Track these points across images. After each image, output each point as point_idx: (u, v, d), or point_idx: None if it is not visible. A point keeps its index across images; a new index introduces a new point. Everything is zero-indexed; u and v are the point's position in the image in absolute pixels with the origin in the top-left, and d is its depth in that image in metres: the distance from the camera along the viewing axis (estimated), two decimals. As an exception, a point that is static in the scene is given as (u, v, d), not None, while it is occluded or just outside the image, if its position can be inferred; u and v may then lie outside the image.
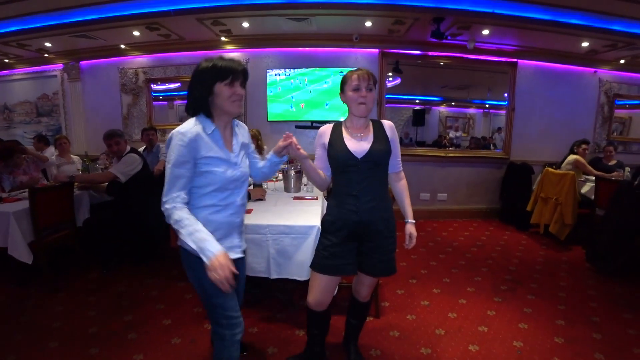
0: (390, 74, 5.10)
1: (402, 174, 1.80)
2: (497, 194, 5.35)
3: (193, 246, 1.27)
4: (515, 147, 5.27)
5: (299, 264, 2.08)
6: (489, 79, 5.59)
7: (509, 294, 2.90)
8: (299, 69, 4.93)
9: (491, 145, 5.77)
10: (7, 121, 6.04)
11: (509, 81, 5.17)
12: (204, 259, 1.24)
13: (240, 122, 1.63)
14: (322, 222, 1.75)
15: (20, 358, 2.03)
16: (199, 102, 1.38)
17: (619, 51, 4.69)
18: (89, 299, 2.73)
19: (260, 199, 2.69)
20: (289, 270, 2.12)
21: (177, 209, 1.31)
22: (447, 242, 4.22)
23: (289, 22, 4.22)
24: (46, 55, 5.33)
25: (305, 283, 2.44)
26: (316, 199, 2.78)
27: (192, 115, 1.41)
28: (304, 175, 3.18)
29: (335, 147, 1.64)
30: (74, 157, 4.44)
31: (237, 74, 1.35)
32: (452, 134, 6.11)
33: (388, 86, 5.18)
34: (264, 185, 3.03)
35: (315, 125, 4.90)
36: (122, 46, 5.05)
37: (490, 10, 3.79)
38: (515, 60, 5.06)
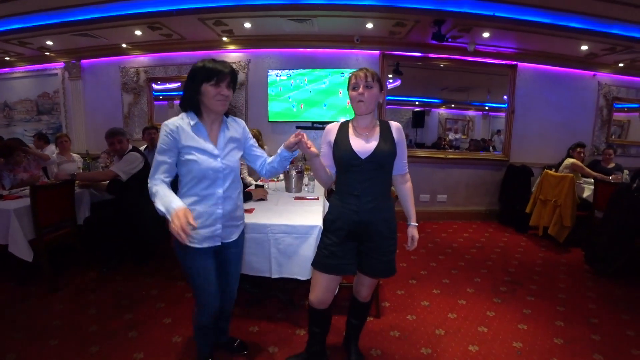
0: (390, 75, 5.12)
1: (408, 176, 1.81)
2: (496, 196, 5.37)
3: (162, 209, 1.38)
4: (514, 149, 5.29)
5: (300, 263, 2.09)
6: (488, 81, 5.62)
7: (509, 295, 2.91)
8: (300, 70, 4.96)
9: (490, 147, 5.80)
10: (7, 119, 6.04)
11: (508, 84, 5.19)
12: (168, 215, 1.35)
13: (237, 119, 1.71)
14: (324, 221, 1.77)
15: (20, 356, 2.03)
16: (189, 100, 1.54)
17: (618, 54, 4.72)
18: (89, 297, 2.73)
19: (262, 198, 2.70)
20: (290, 269, 2.12)
21: (156, 185, 1.48)
22: (446, 243, 4.23)
23: (291, 23, 4.24)
24: (47, 53, 5.33)
25: (306, 283, 2.45)
26: (317, 199, 2.79)
27: (184, 111, 1.59)
28: (305, 175, 3.19)
29: (340, 146, 1.65)
30: (74, 155, 4.44)
31: (222, 75, 1.48)
32: (451, 135, 6.14)
33: (388, 88, 5.21)
34: (265, 186, 3.04)
35: (315, 125, 4.91)
36: (124, 45, 5.06)
37: (491, 13, 3.81)
38: (515, 62, 5.09)
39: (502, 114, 5.54)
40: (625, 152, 5.58)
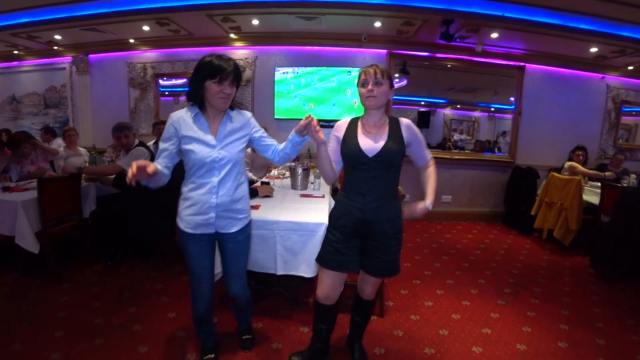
0: (397, 75, 5.10)
1: (431, 162, 1.77)
2: (501, 198, 5.34)
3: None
4: (520, 151, 5.26)
5: (305, 260, 2.09)
6: (495, 82, 5.58)
7: (513, 297, 2.90)
8: (307, 68, 4.96)
9: (495, 148, 5.77)
10: (15, 112, 6.08)
11: (516, 85, 5.16)
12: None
13: (243, 111, 1.73)
14: (329, 217, 1.77)
15: (25, 346, 2.05)
16: (193, 94, 1.60)
17: (628, 57, 4.68)
18: (94, 290, 2.75)
19: (268, 195, 2.70)
20: (295, 266, 2.12)
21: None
22: (450, 244, 4.22)
23: (299, 20, 4.24)
24: (55, 47, 5.36)
25: (310, 280, 2.47)
26: (323, 196, 2.79)
27: (189, 103, 1.65)
28: (311, 173, 3.19)
29: (348, 143, 1.65)
30: (81, 149, 4.47)
31: (226, 73, 1.52)
32: (456, 136, 6.11)
33: (394, 87, 5.19)
34: (271, 183, 3.04)
35: (322, 124, 4.90)
36: (131, 40, 5.07)
37: (500, 14, 3.79)
38: (523, 64, 5.06)
39: (508, 116, 5.51)
40: (633, 156, 5.53)
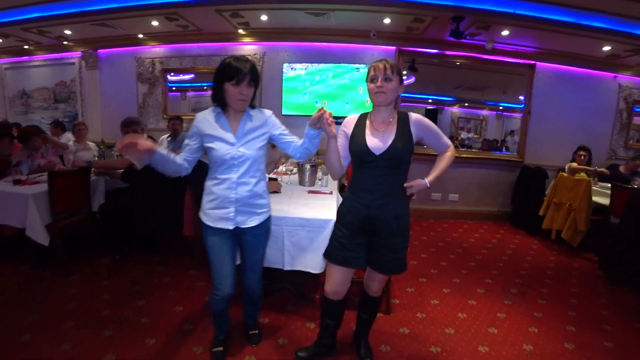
0: (405, 72, 5.06)
1: (449, 148, 1.73)
2: (509, 197, 5.30)
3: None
4: (529, 151, 5.21)
5: (313, 257, 2.10)
6: (504, 80, 5.52)
7: (519, 297, 2.88)
8: (321, 64, 4.96)
9: (503, 147, 5.71)
10: (25, 106, 6.16)
11: (526, 83, 5.10)
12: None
13: (264, 110, 1.79)
14: (337, 212, 1.77)
15: (36, 336, 2.08)
16: (215, 95, 1.69)
17: (642, 56, 4.60)
18: (102, 283, 2.78)
19: (276, 191, 2.70)
20: (303, 262, 2.13)
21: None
22: (457, 243, 4.20)
23: (308, 16, 4.21)
24: (65, 42, 5.40)
25: (316, 277, 2.47)
26: (331, 193, 2.79)
27: (214, 104, 1.74)
28: (318, 169, 3.19)
29: (356, 140, 1.64)
30: (90, 143, 4.51)
31: (242, 75, 1.58)
32: (463, 135, 6.06)
33: (404, 83, 5.16)
34: (279, 179, 3.05)
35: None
36: (140, 36, 5.09)
37: (512, 11, 3.73)
38: (534, 62, 4.99)
39: (517, 115, 5.45)
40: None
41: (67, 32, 4.93)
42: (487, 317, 2.53)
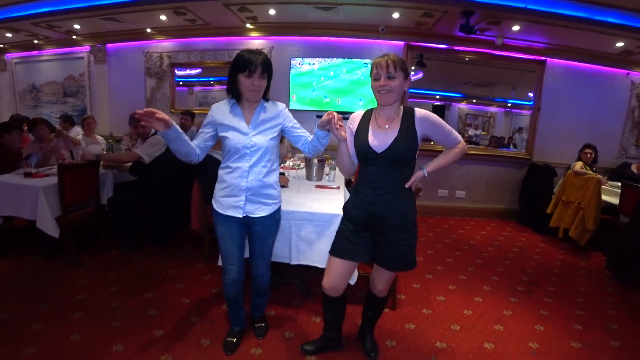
0: (413, 67, 5.02)
1: (459, 145, 1.64)
2: (516, 195, 5.25)
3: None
4: (538, 148, 5.15)
5: (320, 251, 2.10)
6: (513, 77, 5.45)
7: (526, 295, 2.87)
8: (329, 59, 4.94)
9: (511, 145, 5.65)
10: (34, 100, 6.22)
11: (536, 80, 5.02)
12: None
13: (277, 103, 1.83)
14: (343, 208, 1.77)
15: (46, 326, 2.12)
16: (230, 87, 1.73)
17: (656, 53, 4.51)
18: (111, 275, 2.82)
19: (284, 186, 2.71)
20: (310, 257, 2.14)
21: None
22: (463, 240, 4.18)
23: (316, 10, 4.19)
24: (74, 37, 5.44)
25: (323, 272, 2.48)
26: (338, 188, 2.79)
27: (229, 96, 1.78)
28: (326, 164, 3.19)
29: (359, 138, 1.63)
30: (98, 137, 4.55)
31: (254, 66, 1.61)
32: (471, 131, 6.02)
33: (410, 78, 5.12)
34: (286, 173, 3.05)
35: (346, 117, 4.88)
36: (148, 30, 5.11)
37: (523, 6, 3.68)
38: (544, 58, 4.92)
39: (525, 112, 5.39)
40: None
41: (76, 26, 4.96)
42: (493, 314, 2.52)
